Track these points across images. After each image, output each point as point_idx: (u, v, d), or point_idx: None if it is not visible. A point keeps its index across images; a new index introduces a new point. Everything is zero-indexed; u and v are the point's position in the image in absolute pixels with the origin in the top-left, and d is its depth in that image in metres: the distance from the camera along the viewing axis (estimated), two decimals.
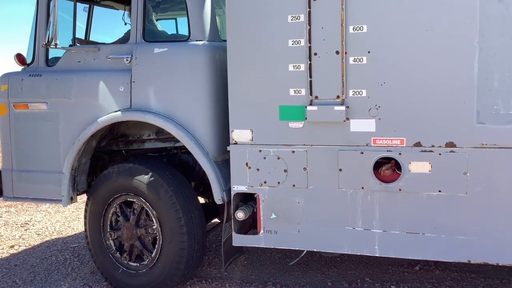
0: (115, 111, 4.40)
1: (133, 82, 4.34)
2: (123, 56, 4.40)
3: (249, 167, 3.94)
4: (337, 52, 3.59)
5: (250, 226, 4.25)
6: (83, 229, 5.52)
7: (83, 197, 5.20)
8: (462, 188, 3.46)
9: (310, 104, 3.69)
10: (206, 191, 4.67)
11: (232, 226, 4.10)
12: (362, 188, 3.68)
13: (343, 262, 5.12)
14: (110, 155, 5.10)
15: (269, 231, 3.97)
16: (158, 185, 4.26)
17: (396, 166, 3.61)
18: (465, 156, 3.43)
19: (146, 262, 4.47)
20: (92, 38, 5.47)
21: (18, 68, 4.93)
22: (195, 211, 4.33)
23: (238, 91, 3.89)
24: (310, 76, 3.67)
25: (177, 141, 4.38)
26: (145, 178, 4.30)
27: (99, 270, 4.76)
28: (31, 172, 4.77)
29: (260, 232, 3.99)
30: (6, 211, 7.88)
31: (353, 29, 3.54)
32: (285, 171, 3.85)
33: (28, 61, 4.87)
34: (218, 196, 4.14)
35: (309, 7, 3.61)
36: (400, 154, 3.56)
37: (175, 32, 5.58)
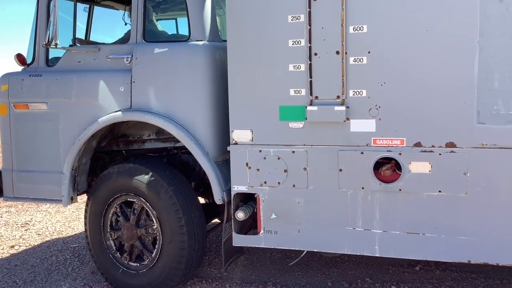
0: (116, 111, 4.41)
1: (133, 82, 4.34)
2: (123, 56, 4.40)
3: (249, 167, 3.94)
4: (337, 52, 3.59)
5: (250, 226, 4.25)
6: (83, 229, 5.53)
7: (83, 197, 5.19)
8: (462, 188, 3.46)
9: (310, 104, 3.69)
10: (206, 191, 4.67)
11: (232, 226, 4.10)
12: (362, 188, 3.68)
13: (343, 262, 5.12)
14: (111, 155, 5.10)
15: (269, 231, 3.97)
16: (158, 185, 4.26)
17: (396, 166, 3.61)
18: (465, 156, 3.43)
19: (146, 262, 4.47)
20: (92, 38, 5.47)
21: (18, 68, 4.93)
22: (195, 211, 4.33)
23: (238, 91, 3.89)
24: (310, 76, 3.67)
25: (177, 141, 4.38)
26: (145, 178, 4.30)
27: (99, 270, 4.76)
28: (31, 172, 4.78)
29: (260, 232, 3.99)
30: (6, 211, 7.88)
31: (353, 29, 3.54)
32: (285, 171, 3.85)
33: (28, 61, 4.87)
34: (218, 196, 4.14)
35: (309, 7, 3.61)
36: (400, 154, 3.56)
37: (175, 32, 5.58)
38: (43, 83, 4.64)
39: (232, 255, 4.47)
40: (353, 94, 3.60)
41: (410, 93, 3.49)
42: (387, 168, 3.60)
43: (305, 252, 4.19)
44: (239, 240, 4.11)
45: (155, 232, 4.38)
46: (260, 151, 3.89)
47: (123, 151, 5.05)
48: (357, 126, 3.63)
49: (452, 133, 3.44)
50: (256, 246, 4.06)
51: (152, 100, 4.30)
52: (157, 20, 4.99)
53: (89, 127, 4.43)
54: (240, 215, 3.98)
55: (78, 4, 4.82)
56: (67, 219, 7.32)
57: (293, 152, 3.81)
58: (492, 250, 3.47)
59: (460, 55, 3.37)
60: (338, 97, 3.63)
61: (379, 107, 3.56)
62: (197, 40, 4.23)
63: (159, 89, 4.29)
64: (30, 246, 6.17)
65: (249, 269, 5.08)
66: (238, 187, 4.00)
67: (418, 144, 3.52)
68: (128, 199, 4.47)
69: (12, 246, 6.19)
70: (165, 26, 5.36)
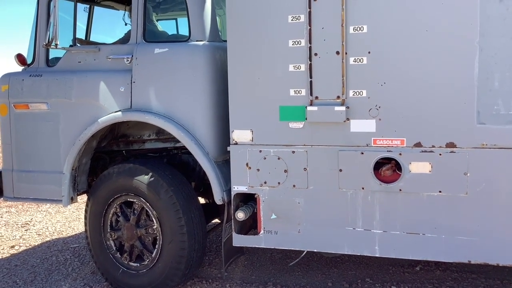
0: (116, 111, 4.41)
1: (134, 82, 4.34)
2: (124, 57, 4.40)
3: (249, 168, 3.94)
4: (338, 53, 3.59)
5: (250, 226, 4.25)
6: (83, 229, 5.53)
7: (84, 197, 5.19)
8: (462, 188, 3.46)
9: (311, 105, 3.69)
10: (207, 191, 4.67)
11: (233, 227, 4.10)
12: (363, 188, 3.68)
13: (343, 262, 5.12)
14: (111, 156, 5.10)
15: (269, 232, 3.96)
16: (159, 185, 4.26)
17: (397, 167, 3.61)
18: (465, 156, 3.43)
19: (147, 262, 4.47)
20: (93, 38, 5.47)
21: (19, 68, 4.93)
22: (195, 211, 4.33)
23: (239, 91, 3.89)
24: (311, 77, 3.67)
25: (178, 141, 4.38)
26: (145, 178, 4.30)
27: (99, 270, 4.76)
28: (31, 172, 4.78)
29: (260, 232, 3.99)
30: (6, 211, 7.89)
31: (354, 29, 3.54)
32: (285, 171, 3.85)
33: (29, 61, 4.87)
34: (218, 197, 4.14)
35: (310, 8, 3.61)
36: (400, 154, 3.56)
37: (175, 32, 5.58)
38: (43, 83, 4.64)
39: (232, 255, 4.47)
40: (353, 94, 3.60)
41: (410, 93, 3.49)
42: (387, 168, 3.60)
43: (305, 252, 4.18)
44: (239, 240, 4.11)
45: (155, 232, 4.38)
46: (260, 151, 3.89)
47: (123, 151, 5.05)
48: (357, 126, 3.63)
49: (452, 133, 3.44)
50: (256, 246, 4.06)
51: (152, 100, 4.30)
52: (157, 20, 4.99)
53: (89, 127, 4.43)
54: (240, 215, 3.98)
55: (78, 4, 4.81)
56: (67, 219, 7.32)
57: (293, 152, 3.81)
58: (492, 250, 3.46)
59: (460, 55, 3.37)
60: (338, 97, 3.63)
61: (379, 107, 3.56)
62: (197, 40, 4.23)
63: (159, 89, 4.29)
64: (30, 246, 6.17)
65: (249, 269, 5.08)
66: (238, 187, 4.00)
67: (418, 144, 3.52)
68: (128, 199, 4.47)
69: (12, 246, 6.19)
70: (165, 26, 5.36)
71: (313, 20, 3.62)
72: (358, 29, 3.53)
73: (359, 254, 3.81)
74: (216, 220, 5.48)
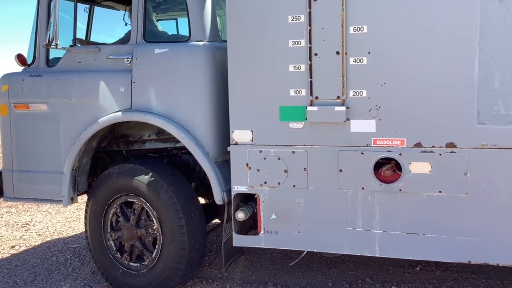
0: (116, 112, 4.41)
1: (134, 82, 4.34)
2: (124, 57, 4.40)
3: (250, 168, 3.94)
4: (338, 53, 3.59)
5: (250, 226, 4.25)
6: (83, 229, 5.53)
7: (84, 198, 5.20)
8: (462, 188, 3.46)
9: (311, 105, 3.69)
10: (207, 191, 4.67)
11: (233, 227, 4.10)
12: (363, 188, 3.68)
13: (343, 262, 5.12)
14: (111, 156, 5.10)
15: (270, 232, 3.97)
16: (159, 186, 4.26)
17: (397, 167, 3.61)
18: (465, 156, 3.43)
19: (147, 262, 4.47)
20: (93, 38, 5.47)
21: (19, 68, 4.93)
22: (195, 211, 4.33)
23: (239, 91, 3.89)
24: (311, 77, 3.67)
25: (178, 141, 4.38)
26: (145, 178, 4.31)
27: (99, 270, 4.76)
28: (31, 172, 4.78)
29: (261, 232, 3.99)
30: (7, 212, 7.89)
31: (354, 29, 3.54)
32: (285, 171, 3.85)
33: (29, 61, 4.88)
34: (218, 197, 4.14)
35: (310, 8, 3.61)
36: (400, 154, 3.56)
37: (175, 32, 5.58)
38: (44, 83, 4.64)
39: (233, 255, 4.47)
40: (353, 95, 3.60)
41: (410, 93, 3.49)
42: (387, 168, 3.60)
43: (305, 252, 4.18)
44: (240, 240, 4.11)
45: (155, 232, 4.38)
46: (260, 151, 3.89)
47: (124, 152, 5.05)
48: (357, 127, 3.63)
49: (452, 133, 3.44)
50: (256, 246, 4.06)
51: (153, 101, 4.30)
52: (157, 20, 5.00)
53: (90, 128, 4.44)
54: (240, 215, 3.98)
55: (79, 5, 4.81)
56: (68, 219, 7.32)
57: (293, 152, 3.81)
58: (492, 251, 3.46)
59: (460, 55, 3.37)
60: (338, 97, 3.63)
61: (379, 107, 3.56)
62: (197, 41, 4.23)
63: (159, 89, 4.29)
64: (30, 247, 6.17)
65: (249, 270, 5.08)
66: (238, 188, 4.00)
67: (418, 145, 3.52)
68: (128, 200, 4.47)
69: (13, 247, 6.19)
70: (165, 26, 5.36)
71: (313, 20, 3.62)
72: (358, 29, 3.53)
73: (359, 254, 3.81)
74: (216, 220, 5.49)
